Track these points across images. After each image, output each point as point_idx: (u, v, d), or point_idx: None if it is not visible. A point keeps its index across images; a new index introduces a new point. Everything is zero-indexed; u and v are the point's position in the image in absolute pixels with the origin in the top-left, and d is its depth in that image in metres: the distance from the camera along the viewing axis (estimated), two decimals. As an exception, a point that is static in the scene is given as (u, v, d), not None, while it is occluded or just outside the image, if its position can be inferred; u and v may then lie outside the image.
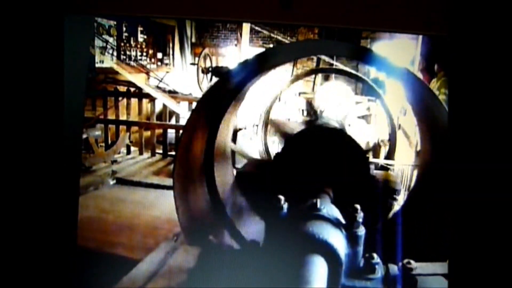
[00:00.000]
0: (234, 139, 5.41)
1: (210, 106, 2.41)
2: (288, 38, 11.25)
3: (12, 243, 1.37)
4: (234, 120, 3.17)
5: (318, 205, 1.38)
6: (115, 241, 3.74)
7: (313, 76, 8.39)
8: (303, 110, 7.35)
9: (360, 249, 1.39)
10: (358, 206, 1.37)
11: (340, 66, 7.30)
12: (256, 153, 5.05)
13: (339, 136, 2.22)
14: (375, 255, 1.42)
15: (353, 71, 5.70)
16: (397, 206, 2.89)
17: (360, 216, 1.36)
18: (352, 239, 1.35)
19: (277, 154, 2.43)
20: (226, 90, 2.48)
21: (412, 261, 1.47)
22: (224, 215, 2.37)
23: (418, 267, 1.47)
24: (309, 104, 7.12)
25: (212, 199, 2.45)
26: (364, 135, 5.46)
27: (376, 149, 5.26)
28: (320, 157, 2.15)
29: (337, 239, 1.28)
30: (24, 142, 1.35)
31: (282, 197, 1.45)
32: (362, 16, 1.27)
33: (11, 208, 1.36)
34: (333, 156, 2.14)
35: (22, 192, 1.36)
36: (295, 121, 5.62)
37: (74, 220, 1.52)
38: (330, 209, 1.42)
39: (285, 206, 1.44)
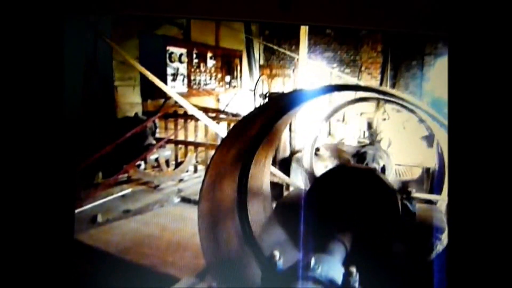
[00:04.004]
0: (288, 164, 5.34)
1: (243, 136, 2.35)
2: (352, 57, 10.98)
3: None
4: (273, 150, 3.10)
5: (312, 265, 1.29)
6: (169, 260, 3.83)
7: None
8: (364, 131, 7.08)
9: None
10: (354, 269, 1.25)
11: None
12: (301, 180, 4.92)
13: (367, 180, 2.06)
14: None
15: (409, 101, 5.26)
16: (441, 246, 2.61)
17: (355, 280, 1.24)
18: (346, 303, 1.23)
19: (308, 190, 2.33)
20: (276, 109, 2.41)
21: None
22: (258, 253, 2.29)
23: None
24: (369, 124, 6.85)
25: (245, 237, 2.39)
26: (423, 159, 5.09)
27: (434, 175, 4.86)
28: (343, 202, 2.02)
29: (325, 304, 1.18)
30: (23, 140, 1.37)
31: (277, 253, 1.38)
32: (362, 16, 1.24)
33: (9, 208, 1.38)
34: (356, 201, 2.00)
35: (18, 190, 1.38)
36: (349, 145, 5.41)
37: (71, 223, 1.54)
38: (327, 269, 1.31)
39: (280, 262, 1.36)
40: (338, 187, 2.08)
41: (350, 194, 2.08)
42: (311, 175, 4.61)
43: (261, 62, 12.01)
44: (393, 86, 10.41)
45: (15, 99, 1.36)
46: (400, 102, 5.06)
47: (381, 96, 5.78)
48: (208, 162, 2.30)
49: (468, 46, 1.12)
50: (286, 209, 2.76)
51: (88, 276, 3.49)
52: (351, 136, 6.22)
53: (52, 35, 1.33)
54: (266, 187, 2.88)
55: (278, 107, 2.39)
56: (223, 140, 2.22)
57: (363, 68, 10.83)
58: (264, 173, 2.81)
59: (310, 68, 7.34)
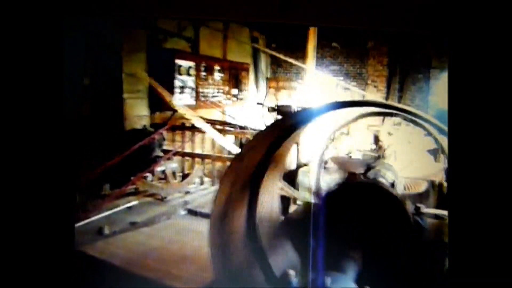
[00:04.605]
0: (294, 177, 5.29)
1: (264, 142, 2.34)
2: (358, 69, 10.99)
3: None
4: (282, 166, 3.08)
5: (328, 284, 1.26)
6: (175, 273, 3.80)
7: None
8: (370, 144, 7.04)
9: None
10: (366, 289, 1.22)
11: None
12: (308, 193, 4.86)
13: (379, 197, 2.03)
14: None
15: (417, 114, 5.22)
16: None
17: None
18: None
19: (319, 207, 2.30)
20: (283, 129, 2.40)
21: None
22: (270, 272, 2.26)
23: None
24: (376, 138, 6.81)
25: (253, 245, 2.37)
26: (429, 172, 5.02)
27: (441, 189, 4.79)
28: (354, 218, 1.99)
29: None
30: (23, 140, 1.35)
31: (292, 272, 1.36)
32: (361, 16, 1.24)
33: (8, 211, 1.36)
34: (368, 218, 1.97)
35: (17, 192, 1.36)
36: (357, 158, 5.37)
37: (71, 228, 1.51)
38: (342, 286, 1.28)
39: (295, 281, 1.34)
40: (349, 203, 2.06)
41: (362, 211, 2.05)
42: (318, 189, 4.55)
43: (268, 75, 12.07)
44: (400, 99, 10.39)
45: (14, 102, 1.36)
46: (408, 116, 5.02)
47: (388, 111, 5.78)
48: (221, 177, 2.28)
49: (468, 49, 1.12)
50: (295, 225, 2.73)
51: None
52: (356, 149, 6.17)
53: (50, 38, 1.33)
54: (276, 202, 2.86)
55: (286, 127, 2.38)
56: (235, 157, 2.21)
57: (369, 81, 10.83)
58: (274, 188, 2.79)
59: (317, 80, 7.34)
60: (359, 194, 2.05)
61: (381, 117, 8.68)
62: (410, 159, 5.02)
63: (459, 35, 1.11)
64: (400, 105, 7.31)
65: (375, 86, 10.64)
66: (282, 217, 3.07)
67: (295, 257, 2.58)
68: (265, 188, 2.50)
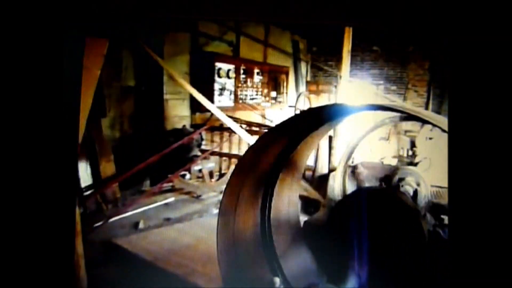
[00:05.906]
0: (325, 180, 5.18)
1: (283, 136, 2.28)
2: (399, 73, 10.59)
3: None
4: (300, 167, 3.00)
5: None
6: (200, 271, 3.81)
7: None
8: (407, 150, 6.75)
9: None
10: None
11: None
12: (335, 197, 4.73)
13: (389, 207, 1.92)
14: None
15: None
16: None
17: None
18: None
19: (329, 216, 2.22)
20: (304, 123, 2.35)
21: None
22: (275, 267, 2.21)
23: None
24: (413, 143, 6.52)
25: (265, 247, 2.33)
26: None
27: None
28: (362, 228, 1.89)
29: None
30: (23, 143, 1.37)
31: (277, 279, 1.31)
32: (360, 16, 1.20)
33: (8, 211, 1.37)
34: (378, 229, 1.86)
35: (18, 194, 1.37)
36: (388, 165, 5.15)
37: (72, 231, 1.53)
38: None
39: (281, 288, 1.29)
40: (359, 212, 1.96)
41: (372, 221, 1.94)
42: (344, 191, 4.43)
43: (308, 78, 11.93)
44: (440, 104, 9.89)
45: (13, 103, 1.38)
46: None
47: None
48: (231, 175, 2.25)
49: (467, 48, 1.05)
50: (311, 231, 2.66)
51: (118, 279, 3.57)
52: (391, 155, 5.93)
53: (50, 40, 1.34)
54: (294, 204, 2.79)
55: (302, 126, 2.31)
56: (244, 155, 2.16)
57: (409, 86, 10.40)
58: (292, 190, 2.73)
59: (352, 86, 7.15)
60: (370, 203, 1.94)
61: (419, 123, 8.29)
62: (445, 167, 4.74)
63: (459, 35, 1.03)
64: (416, 110, 6.94)
65: (415, 91, 10.19)
66: (303, 219, 2.99)
67: (312, 262, 2.51)
68: (281, 188, 2.44)
